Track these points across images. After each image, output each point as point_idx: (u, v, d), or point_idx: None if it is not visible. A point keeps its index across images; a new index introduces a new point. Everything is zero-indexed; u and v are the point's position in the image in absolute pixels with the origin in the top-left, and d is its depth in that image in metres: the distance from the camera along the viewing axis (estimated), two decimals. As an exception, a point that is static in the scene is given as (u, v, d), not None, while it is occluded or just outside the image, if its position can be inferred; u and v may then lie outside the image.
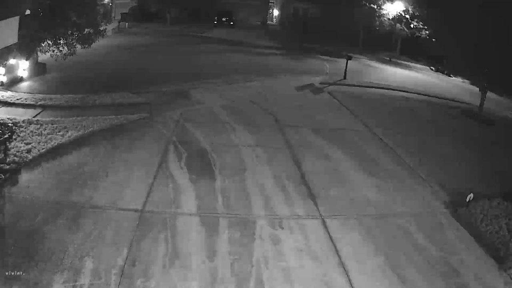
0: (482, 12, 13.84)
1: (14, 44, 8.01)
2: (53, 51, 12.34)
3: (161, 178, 8.32)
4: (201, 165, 9.09)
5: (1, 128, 8.75)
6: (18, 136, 9.24)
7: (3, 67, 12.97)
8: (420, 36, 30.48)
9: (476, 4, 14.18)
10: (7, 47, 10.98)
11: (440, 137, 13.14)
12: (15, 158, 8.28)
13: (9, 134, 8.82)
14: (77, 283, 5.41)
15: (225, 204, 7.68)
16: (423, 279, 6.33)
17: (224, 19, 39.30)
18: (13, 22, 6.71)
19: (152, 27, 32.88)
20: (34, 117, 10.72)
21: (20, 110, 11.16)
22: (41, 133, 9.60)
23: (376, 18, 31.66)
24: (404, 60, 31.88)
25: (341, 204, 8.21)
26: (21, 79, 13.81)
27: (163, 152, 9.49)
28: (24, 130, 9.64)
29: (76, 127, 10.22)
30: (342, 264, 6.41)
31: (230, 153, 9.86)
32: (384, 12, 31.10)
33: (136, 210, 7.14)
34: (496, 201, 8.57)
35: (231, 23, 39.19)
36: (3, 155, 8.20)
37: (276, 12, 50.27)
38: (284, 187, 8.55)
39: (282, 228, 7.15)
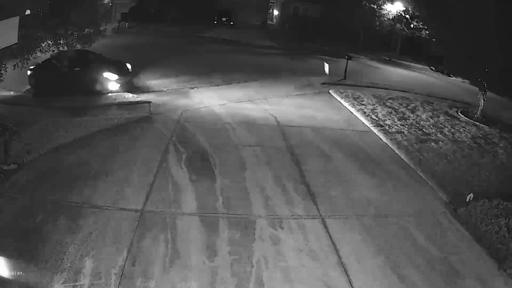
0: (483, 11, 13.84)
1: (14, 44, 8.01)
2: (53, 51, 12.33)
3: (161, 178, 8.32)
4: (201, 165, 9.09)
5: (2, 128, 8.76)
6: (19, 136, 9.25)
7: (109, 71, 13.46)
8: (420, 36, 30.46)
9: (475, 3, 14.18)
10: None
11: (440, 136, 13.13)
12: (16, 158, 8.29)
13: (10, 134, 8.83)
14: (77, 283, 5.42)
15: (225, 204, 7.69)
16: (423, 279, 6.34)
17: (224, 19, 39.31)
18: (13, 22, 6.70)
19: (152, 27, 32.88)
20: (37, 117, 10.74)
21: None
22: (42, 133, 9.61)
23: (376, 18, 31.65)
24: (404, 60, 31.86)
25: (341, 204, 8.21)
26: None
27: (163, 152, 9.50)
28: (24, 130, 9.65)
29: (76, 127, 10.23)
30: (342, 264, 6.41)
31: (230, 153, 9.86)
32: (384, 12, 31.09)
33: (136, 210, 7.15)
34: (496, 201, 8.57)
35: (231, 23, 39.20)
36: (3, 155, 8.21)
37: (276, 12, 50.25)
38: (284, 187, 8.55)
39: (282, 228, 7.15)
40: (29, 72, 12.92)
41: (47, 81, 13.29)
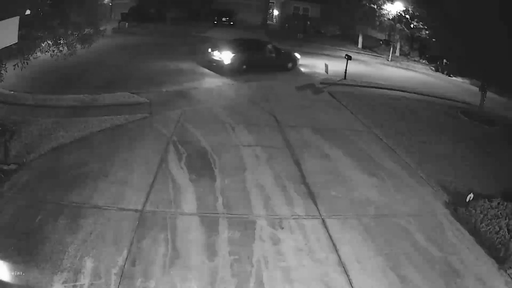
0: (482, 11, 13.84)
1: (14, 44, 8.00)
2: (53, 51, 12.32)
3: (161, 178, 8.32)
4: (201, 165, 9.09)
5: (2, 128, 8.76)
6: (19, 136, 9.25)
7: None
8: (420, 36, 30.47)
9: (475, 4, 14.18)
10: None
11: (440, 137, 13.15)
12: (16, 158, 8.29)
13: (10, 134, 8.83)
14: (77, 283, 5.42)
15: (225, 204, 7.69)
16: (423, 279, 6.34)
17: (224, 19, 39.25)
18: (13, 22, 6.70)
19: (152, 27, 32.85)
20: (37, 117, 10.75)
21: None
22: (42, 133, 9.62)
23: (376, 18, 31.65)
24: (404, 60, 31.88)
25: (341, 204, 8.22)
26: None
27: (163, 152, 9.49)
28: (25, 130, 9.66)
29: (76, 127, 10.24)
30: (342, 264, 6.42)
31: (230, 153, 9.86)
32: (384, 12, 31.09)
33: (136, 210, 7.15)
34: (496, 201, 8.58)
35: (231, 23, 39.15)
36: (3, 155, 8.20)
37: (276, 12, 50.23)
38: (284, 187, 8.55)
39: (282, 228, 7.15)
40: (232, 55, 18.01)
41: (253, 61, 18.66)
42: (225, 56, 18.19)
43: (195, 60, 19.91)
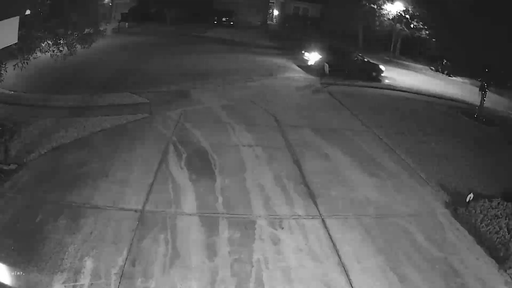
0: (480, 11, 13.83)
1: (14, 44, 8.00)
2: (53, 51, 12.33)
3: (161, 178, 8.32)
4: (201, 165, 9.09)
5: (2, 128, 8.76)
6: (19, 136, 9.25)
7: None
8: (420, 36, 30.45)
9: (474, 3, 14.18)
10: None
11: (440, 137, 13.14)
12: (16, 158, 8.29)
13: (10, 134, 8.84)
14: (77, 283, 5.42)
15: (225, 204, 7.69)
16: (423, 279, 6.34)
17: (224, 19, 39.28)
18: (13, 22, 6.70)
19: (152, 27, 32.86)
20: (37, 117, 10.75)
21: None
22: (42, 133, 9.62)
23: (376, 18, 31.62)
24: (404, 60, 31.84)
25: (341, 204, 8.21)
26: None
27: (163, 152, 9.49)
28: (25, 130, 9.65)
29: (77, 127, 10.24)
30: (342, 264, 6.41)
31: (230, 153, 9.86)
32: (384, 12, 31.06)
33: (136, 210, 7.14)
34: (496, 201, 8.57)
35: (231, 23, 39.18)
36: (3, 155, 8.20)
37: (276, 12, 50.23)
38: (284, 187, 8.55)
39: (282, 228, 7.15)
40: (319, 57, 20.62)
41: (337, 66, 20.03)
42: (312, 57, 21.01)
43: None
